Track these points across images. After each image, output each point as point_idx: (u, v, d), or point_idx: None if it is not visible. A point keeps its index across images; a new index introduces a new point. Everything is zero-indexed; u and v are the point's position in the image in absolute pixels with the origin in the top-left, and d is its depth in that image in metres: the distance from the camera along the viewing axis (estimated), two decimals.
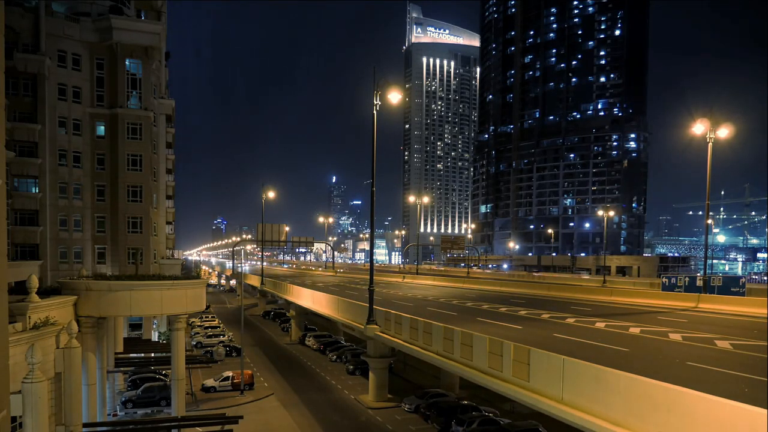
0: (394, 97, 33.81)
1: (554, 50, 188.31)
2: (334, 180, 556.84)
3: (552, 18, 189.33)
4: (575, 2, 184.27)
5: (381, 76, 34.23)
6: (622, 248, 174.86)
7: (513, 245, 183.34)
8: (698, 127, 41.99)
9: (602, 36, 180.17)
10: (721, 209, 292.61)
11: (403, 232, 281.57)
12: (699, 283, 45.92)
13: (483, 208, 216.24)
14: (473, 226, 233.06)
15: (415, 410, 38.00)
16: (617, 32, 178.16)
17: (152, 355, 44.29)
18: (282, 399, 42.46)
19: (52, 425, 21.18)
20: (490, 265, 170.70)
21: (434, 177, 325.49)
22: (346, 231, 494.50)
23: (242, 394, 42.85)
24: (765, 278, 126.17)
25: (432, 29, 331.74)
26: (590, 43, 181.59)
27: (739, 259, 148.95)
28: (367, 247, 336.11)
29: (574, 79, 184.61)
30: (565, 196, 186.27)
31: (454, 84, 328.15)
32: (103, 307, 28.05)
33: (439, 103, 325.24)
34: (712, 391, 13.60)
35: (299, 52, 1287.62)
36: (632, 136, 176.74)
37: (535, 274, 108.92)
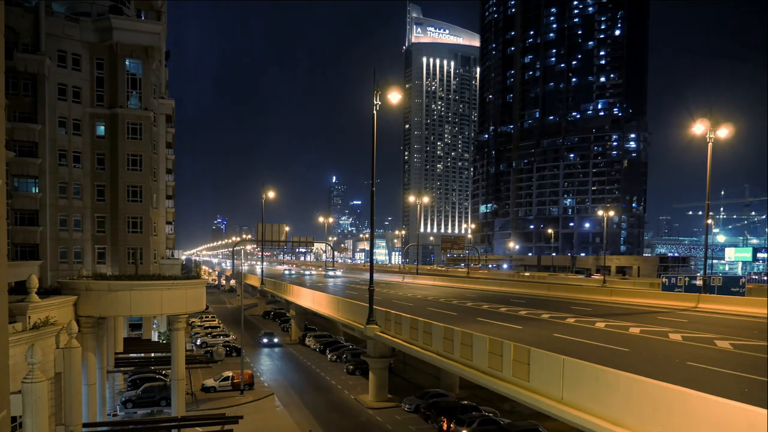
0: (394, 97, 33.85)
1: (554, 50, 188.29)
2: (334, 180, 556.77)
3: (552, 18, 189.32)
4: (575, 2, 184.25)
5: (381, 76, 34.27)
6: (622, 248, 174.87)
7: (513, 245, 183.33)
8: (698, 127, 42.02)
9: (602, 36, 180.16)
10: (721, 209, 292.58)
11: (403, 232, 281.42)
12: (699, 283, 45.95)
13: (483, 208, 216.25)
14: (473, 226, 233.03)
15: (415, 410, 38.00)
16: (617, 32, 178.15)
17: (152, 355, 44.29)
18: (282, 399, 42.47)
19: (52, 425, 21.18)
20: (490, 265, 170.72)
21: (434, 177, 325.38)
22: (346, 231, 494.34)
23: (242, 394, 42.86)
24: (765, 278, 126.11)
25: (432, 29, 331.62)
26: (590, 43, 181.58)
27: (737, 258, 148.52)
28: (367, 247, 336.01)
29: (574, 79, 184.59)
30: (565, 196, 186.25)
31: (454, 84, 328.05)
32: (103, 307, 28.06)
33: (439, 103, 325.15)
34: (712, 391, 13.61)
35: (299, 51, 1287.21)
36: (632, 136, 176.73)
37: (536, 274, 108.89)
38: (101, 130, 45.68)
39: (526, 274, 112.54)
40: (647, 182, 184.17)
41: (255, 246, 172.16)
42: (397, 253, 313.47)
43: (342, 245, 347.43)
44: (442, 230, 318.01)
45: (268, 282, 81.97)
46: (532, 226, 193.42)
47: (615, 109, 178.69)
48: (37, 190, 42.18)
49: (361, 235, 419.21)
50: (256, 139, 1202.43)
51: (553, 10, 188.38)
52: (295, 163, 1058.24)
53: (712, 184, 42.23)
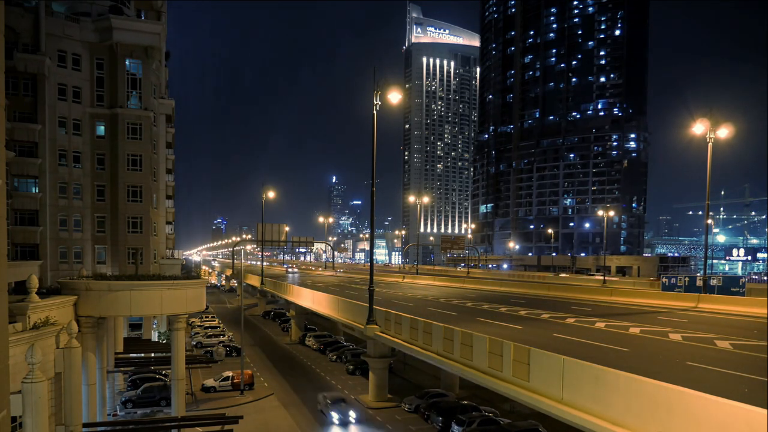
0: (394, 97, 33.83)
1: (554, 50, 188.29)
2: (334, 180, 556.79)
3: (552, 18, 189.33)
4: (575, 2, 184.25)
5: (381, 76, 34.27)
6: (622, 248, 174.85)
7: (513, 245, 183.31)
8: (698, 127, 41.99)
9: (602, 36, 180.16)
10: (721, 209, 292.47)
11: (403, 232, 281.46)
12: (699, 283, 45.93)
13: (483, 208, 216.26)
14: (473, 226, 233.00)
15: (415, 410, 38.00)
16: (617, 32, 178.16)
17: (152, 355, 44.30)
18: (282, 399, 42.46)
19: (52, 425, 21.18)
20: (490, 265, 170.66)
21: (434, 177, 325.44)
22: (346, 231, 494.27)
23: (242, 394, 42.86)
24: (765, 278, 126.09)
25: (432, 29, 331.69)
26: (590, 43, 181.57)
27: (740, 257, 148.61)
28: (367, 247, 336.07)
29: (574, 79, 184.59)
30: (565, 196, 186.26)
31: (454, 84, 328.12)
32: (103, 307, 28.07)
33: (439, 103, 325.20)
34: (712, 391, 13.60)
35: (299, 51, 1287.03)
36: (632, 136, 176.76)
37: (536, 273, 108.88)
38: (101, 130, 45.69)
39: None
40: (647, 182, 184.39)
41: (255, 246, 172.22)
42: (397, 253, 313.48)
43: (342, 245, 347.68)
44: (442, 230, 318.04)
45: (268, 282, 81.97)
46: (532, 226, 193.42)
47: (615, 109, 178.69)
48: (37, 190, 42.19)
49: (361, 235, 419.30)
50: (256, 139, 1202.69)
51: (553, 10, 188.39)
52: (295, 163, 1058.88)
53: (712, 184, 42.22)
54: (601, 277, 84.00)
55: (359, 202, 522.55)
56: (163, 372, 41.56)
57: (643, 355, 22.59)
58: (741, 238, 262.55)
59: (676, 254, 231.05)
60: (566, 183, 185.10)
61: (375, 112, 33.95)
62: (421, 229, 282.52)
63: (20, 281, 27.25)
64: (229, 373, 44.72)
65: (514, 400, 22.54)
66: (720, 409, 12.71)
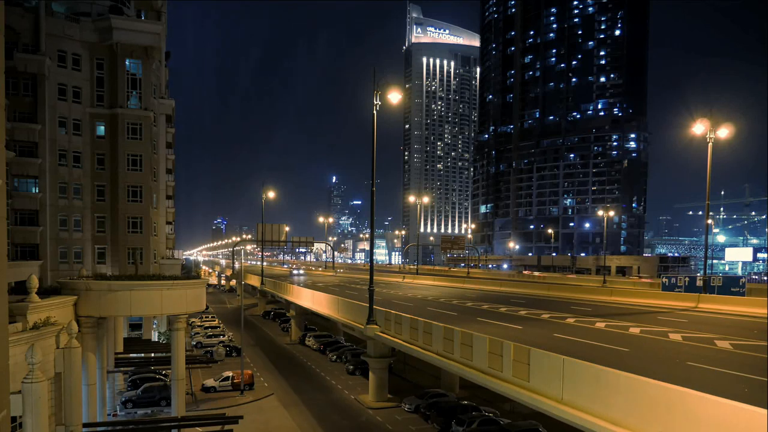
0: (394, 97, 33.87)
1: (554, 50, 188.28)
2: (334, 180, 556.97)
3: (552, 18, 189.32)
4: (575, 2, 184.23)
5: (381, 76, 34.30)
6: (622, 248, 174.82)
7: (513, 245, 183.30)
8: (698, 127, 42.03)
9: (602, 36, 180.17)
10: (721, 209, 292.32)
11: (403, 232, 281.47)
12: (699, 283, 45.93)
13: (483, 208, 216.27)
14: (473, 226, 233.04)
15: (415, 410, 38.00)
16: (617, 32, 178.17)
17: (152, 355, 44.29)
18: (282, 399, 42.46)
19: (52, 425, 21.18)
20: (490, 266, 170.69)
21: (434, 177, 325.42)
22: (346, 231, 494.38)
23: (242, 394, 42.86)
24: (765, 278, 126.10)
25: (432, 29, 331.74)
26: (590, 43, 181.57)
27: (740, 259, 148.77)
28: (367, 247, 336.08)
29: (574, 79, 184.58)
30: (565, 196, 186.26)
31: (454, 84, 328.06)
32: (103, 307, 28.08)
33: (439, 103, 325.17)
34: (712, 391, 13.60)
35: (299, 51, 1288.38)
36: (632, 136, 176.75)
37: (535, 273, 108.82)
38: (101, 130, 45.68)
39: (526, 273, 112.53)
40: (647, 182, 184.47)
41: (255, 246, 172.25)
42: (397, 253, 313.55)
43: (342, 245, 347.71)
44: (442, 230, 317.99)
45: (268, 282, 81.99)
46: (532, 226, 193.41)
47: (615, 109, 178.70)
48: (37, 190, 42.18)
49: (361, 235, 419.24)
50: (256, 139, 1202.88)
51: (553, 10, 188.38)
52: (295, 163, 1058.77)
53: (712, 184, 42.24)
54: (600, 277, 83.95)
55: (359, 202, 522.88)
56: (163, 372, 41.55)
57: (643, 355, 22.60)
58: (741, 238, 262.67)
59: (676, 254, 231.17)
60: (566, 183, 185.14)
61: (375, 112, 33.96)
62: (421, 229, 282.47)
63: (20, 281, 27.24)
64: (229, 373, 44.71)
65: (514, 400, 22.52)
66: (720, 409, 12.71)
